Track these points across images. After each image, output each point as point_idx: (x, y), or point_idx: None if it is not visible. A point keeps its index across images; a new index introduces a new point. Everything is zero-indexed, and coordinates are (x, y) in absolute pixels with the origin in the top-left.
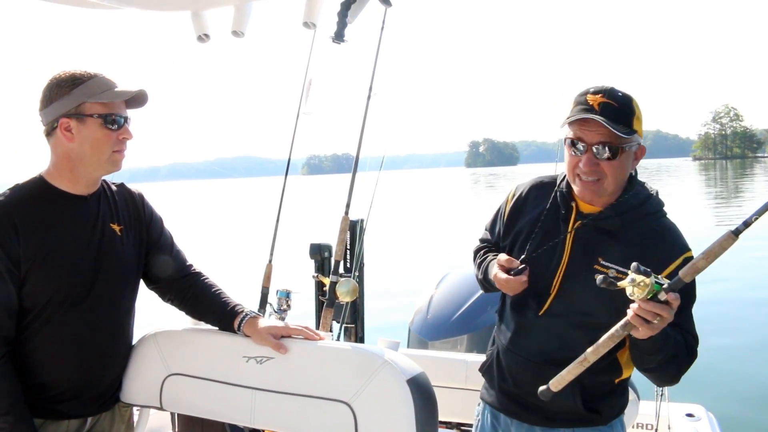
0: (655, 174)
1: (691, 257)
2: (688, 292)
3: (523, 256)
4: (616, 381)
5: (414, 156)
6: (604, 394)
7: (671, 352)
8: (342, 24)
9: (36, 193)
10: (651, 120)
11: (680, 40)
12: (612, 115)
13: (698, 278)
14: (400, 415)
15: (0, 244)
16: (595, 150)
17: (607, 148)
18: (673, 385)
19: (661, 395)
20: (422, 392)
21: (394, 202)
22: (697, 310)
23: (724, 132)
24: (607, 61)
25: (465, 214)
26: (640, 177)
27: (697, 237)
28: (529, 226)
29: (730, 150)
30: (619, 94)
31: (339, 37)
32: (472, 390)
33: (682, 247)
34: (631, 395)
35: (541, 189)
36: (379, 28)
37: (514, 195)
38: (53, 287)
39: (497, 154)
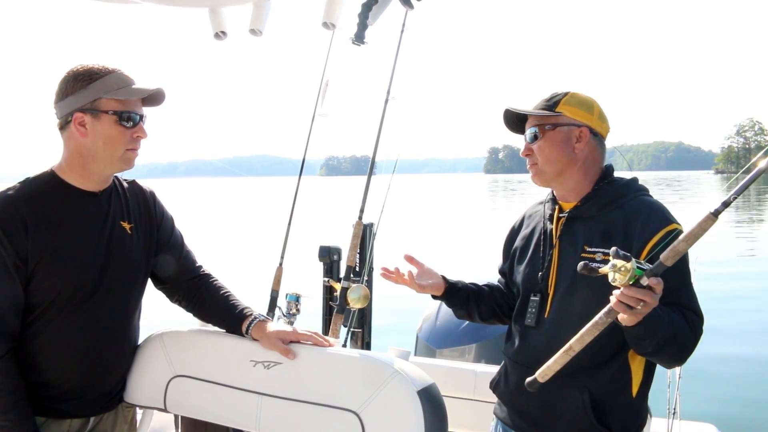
0: (675, 185)
1: (675, 230)
2: (679, 270)
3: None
4: (634, 394)
5: (433, 160)
6: (617, 409)
7: (668, 334)
8: (362, 25)
9: (46, 188)
10: (673, 132)
11: (706, 52)
12: (538, 106)
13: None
14: (409, 427)
15: (9, 240)
16: (526, 137)
17: (532, 131)
18: (681, 365)
19: (674, 413)
20: (433, 404)
21: (410, 206)
22: (713, 326)
23: (747, 146)
24: (631, 71)
25: (480, 221)
26: (659, 187)
27: (715, 249)
28: (524, 240)
29: (754, 164)
30: (559, 92)
31: (359, 38)
32: (480, 401)
33: (663, 220)
34: None
35: (534, 208)
36: (399, 30)
37: (512, 225)
38: (60, 285)
39: (517, 161)
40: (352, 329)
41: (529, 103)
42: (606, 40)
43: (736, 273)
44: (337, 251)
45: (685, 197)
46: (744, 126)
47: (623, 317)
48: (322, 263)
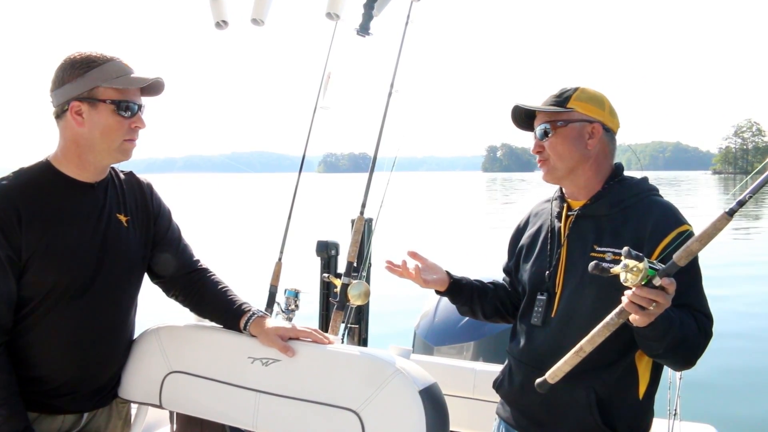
0: (674, 185)
1: (687, 231)
2: (689, 271)
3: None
4: (641, 396)
5: (431, 158)
6: (623, 410)
7: (678, 336)
8: (368, 16)
9: (41, 179)
10: (672, 132)
11: (704, 52)
12: (547, 102)
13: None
14: (410, 427)
15: (2, 232)
16: (536, 133)
17: (543, 128)
18: (690, 368)
19: (674, 414)
20: (435, 404)
21: (408, 203)
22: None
23: (745, 146)
24: (629, 70)
25: (478, 218)
26: (660, 187)
27: (715, 249)
28: (530, 238)
29: (751, 165)
30: (568, 87)
31: (364, 29)
32: (479, 400)
33: (675, 221)
34: None
35: (540, 206)
36: (403, 22)
37: (517, 224)
38: (55, 278)
39: (515, 160)
40: (349, 325)
41: (531, 99)
42: (604, 40)
43: (736, 273)
44: (335, 246)
45: (684, 199)
46: (742, 127)
47: (635, 318)
48: (319, 258)
